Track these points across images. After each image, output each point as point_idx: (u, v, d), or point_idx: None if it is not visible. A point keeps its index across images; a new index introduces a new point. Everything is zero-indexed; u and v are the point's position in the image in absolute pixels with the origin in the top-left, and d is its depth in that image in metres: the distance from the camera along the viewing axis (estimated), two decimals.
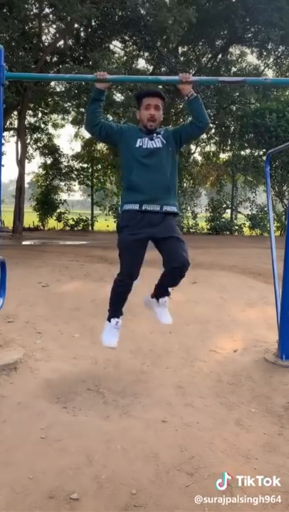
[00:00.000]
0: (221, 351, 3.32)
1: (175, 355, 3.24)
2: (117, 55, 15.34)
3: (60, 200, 16.00)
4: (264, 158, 15.36)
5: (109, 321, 2.65)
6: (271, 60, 16.46)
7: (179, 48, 15.71)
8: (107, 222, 15.39)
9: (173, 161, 2.67)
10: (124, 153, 2.69)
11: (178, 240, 2.54)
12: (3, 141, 3.07)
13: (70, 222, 15.74)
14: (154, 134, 2.64)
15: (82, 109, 14.31)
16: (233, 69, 16.79)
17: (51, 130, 17.20)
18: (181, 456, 1.96)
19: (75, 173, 15.88)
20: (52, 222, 16.18)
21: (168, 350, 3.31)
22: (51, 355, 3.14)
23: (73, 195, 17.06)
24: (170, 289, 2.76)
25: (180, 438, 2.10)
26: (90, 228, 15.74)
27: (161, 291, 2.77)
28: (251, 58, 51.52)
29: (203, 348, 3.35)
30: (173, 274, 2.61)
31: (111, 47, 14.56)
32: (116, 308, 2.70)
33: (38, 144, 16.01)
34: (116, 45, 15.08)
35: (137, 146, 2.62)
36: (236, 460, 1.95)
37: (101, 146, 18.66)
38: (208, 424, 2.24)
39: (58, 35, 12.44)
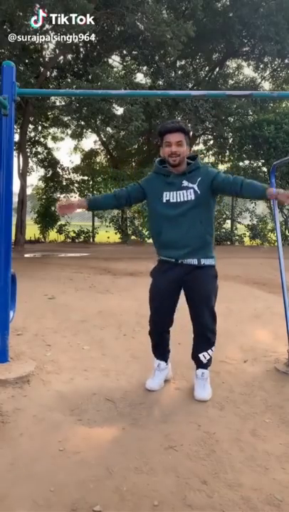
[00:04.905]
0: (232, 362, 3.33)
1: (186, 366, 3.23)
2: (115, 69, 15.58)
3: None
4: (263, 169, 15.56)
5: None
6: (268, 72, 16.74)
7: (177, 61, 15.96)
8: (107, 234, 15.44)
9: (208, 209, 2.51)
10: (151, 209, 2.60)
11: (206, 305, 2.56)
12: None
13: (71, 234, 15.79)
14: (185, 181, 2.46)
15: (83, 123, 14.50)
16: (230, 81, 17.06)
17: (51, 143, 17.40)
18: (200, 467, 1.96)
19: (76, 185, 15.96)
20: (53, 235, 16.22)
21: (178, 362, 3.30)
22: (62, 367, 3.14)
23: None
24: (204, 359, 2.70)
25: (197, 449, 2.10)
26: (92, 240, 15.77)
27: (194, 356, 2.77)
28: (248, 71, 52.31)
29: (213, 359, 3.35)
30: (196, 339, 2.72)
31: (110, 61, 14.79)
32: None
33: (39, 157, 16.14)
34: (115, 60, 15.33)
35: (164, 201, 2.49)
36: (255, 471, 1.96)
37: (101, 158, 18.85)
38: (224, 435, 2.25)
39: (58, 51, 12.65)
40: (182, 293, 2.67)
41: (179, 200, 2.46)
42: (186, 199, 2.45)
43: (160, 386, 2.80)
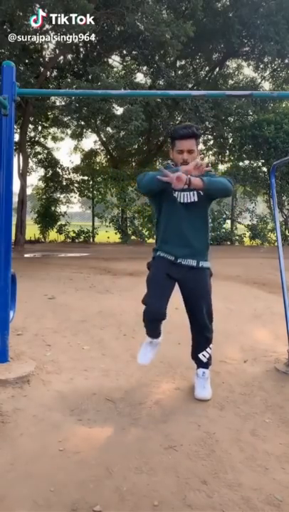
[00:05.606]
0: (231, 362, 3.34)
1: (186, 366, 3.23)
2: (115, 69, 15.58)
3: (61, 212, 16.05)
4: (263, 169, 15.55)
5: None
6: (267, 72, 16.72)
7: (177, 61, 15.95)
8: (107, 234, 15.45)
9: (206, 214, 2.65)
10: (162, 205, 2.61)
11: (204, 303, 2.61)
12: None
13: (71, 234, 15.78)
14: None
15: (83, 123, 14.50)
16: (230, 81, 17.05)
17: (51, 143, 17.38)
18: (200, 467, 1.96)
19: (76, 185, 15.96)
20: (53, 235, 16.21)
21: (178, 362, 3.31)
22: (62, 367, 3.14)
23: (72, 208, 17.07)
24: (204, 358, 2.74)
25: (197, 449, 2.10)
26: (92, 240, 15.77)
27: (194, 357, 2.80)
28: (248, 71, 52.37)
29: (213, 359, 3.35)
30: (195, 338, 2.75)
31: (110, 61, 14.79)
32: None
33: (39, 157, 16.14)
34: (115, 60, 15.33)
35: (172, 199, 2.55)
36: (255, 471, 1.96)
37: (101, 158, 18.85)
38: (225, 435, 2.25)
39: (58, 51, 12.65)
40: (179, 293, 2.69)
41: (184, 200, 2.55)
42: (190, 200, 2.55)
43: (151, 361, 2.77)
